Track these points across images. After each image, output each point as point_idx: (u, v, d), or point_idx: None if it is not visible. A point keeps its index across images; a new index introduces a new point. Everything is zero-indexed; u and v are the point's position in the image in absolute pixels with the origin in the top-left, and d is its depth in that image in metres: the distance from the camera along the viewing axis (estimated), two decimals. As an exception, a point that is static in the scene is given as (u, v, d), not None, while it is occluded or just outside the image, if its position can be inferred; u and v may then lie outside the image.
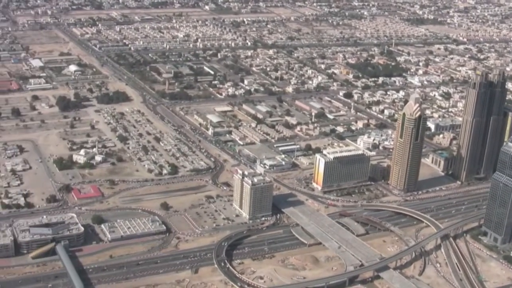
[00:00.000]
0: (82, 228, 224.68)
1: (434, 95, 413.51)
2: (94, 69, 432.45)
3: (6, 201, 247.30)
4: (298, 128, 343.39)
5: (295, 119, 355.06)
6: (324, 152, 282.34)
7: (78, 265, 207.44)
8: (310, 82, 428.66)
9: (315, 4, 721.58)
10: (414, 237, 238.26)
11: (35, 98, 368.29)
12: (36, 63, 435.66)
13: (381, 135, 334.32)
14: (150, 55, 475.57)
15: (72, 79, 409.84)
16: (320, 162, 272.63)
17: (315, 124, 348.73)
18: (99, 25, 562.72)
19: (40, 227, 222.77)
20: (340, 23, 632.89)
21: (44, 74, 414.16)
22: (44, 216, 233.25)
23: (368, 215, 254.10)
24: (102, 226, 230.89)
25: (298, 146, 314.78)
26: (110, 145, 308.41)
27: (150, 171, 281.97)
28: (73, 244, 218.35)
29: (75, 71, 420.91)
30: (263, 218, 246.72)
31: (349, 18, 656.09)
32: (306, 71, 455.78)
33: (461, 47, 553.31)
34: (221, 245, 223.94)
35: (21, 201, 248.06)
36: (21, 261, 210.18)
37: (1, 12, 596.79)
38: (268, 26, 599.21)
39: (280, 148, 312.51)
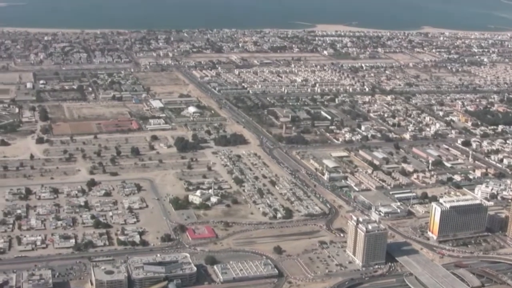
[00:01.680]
0: (195, 268, 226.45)
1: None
2: (213, 111, 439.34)
3: (122, 237, 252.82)
4: (415, 175, 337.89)
5: (412, 166, 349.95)
6: (441, 200, 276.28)
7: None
8: (428, 129, 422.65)
9: (434, 50, 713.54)
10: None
11: (154, 138, 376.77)
12: (156, 104, 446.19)
13: (500, 185, 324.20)
14: (268, 98, 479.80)
15: (191, 120, 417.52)
16: (436, 211, 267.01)
17: (432, 172, 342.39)
18: (219, 68, 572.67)
19: (154, 265, 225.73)
20: (459, 69, 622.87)
21: (163, 115, 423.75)
22: (158, 255, 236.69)
23: (484, 267, 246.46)
24: (215, 267, 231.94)
25: (414, 194, 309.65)
26: (226, 187, 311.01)
27: (264, 214, 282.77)
28: (185, 284, 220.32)
29: (194, 112, 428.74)
30: (376, 266, 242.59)
31: (468, 65, 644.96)
32: (424, 118, 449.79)
33: None
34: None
35: (137, 238, 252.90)
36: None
37: (125, 54, 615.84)
38: (386, 72, 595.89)
39: (396, 196, 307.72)
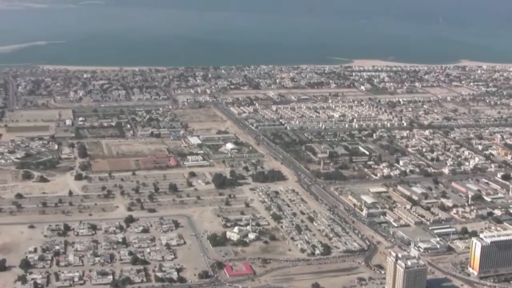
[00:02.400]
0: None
1: None
2: (251, 148, 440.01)
3: (159, 274, 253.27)
4: (454, 210, 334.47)
5: (451, 201, 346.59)
6: (481, 235, 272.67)
7: None
8: (467, 163, 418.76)
9: (471, 83, 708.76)
10: None
11: (192, 174, 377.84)
12: (194, 140, 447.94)
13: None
14: (305, 134, 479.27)
15: (229, 157, 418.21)
16: (476, 246, 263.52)
17: (472, 207, 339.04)
18: (256, 104, 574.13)
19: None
20: (498, 102, 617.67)
21: (201, 151, 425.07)
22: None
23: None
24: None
25: (453, 229, 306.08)
26: (264, 223, 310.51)
27: (302, 250, 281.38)
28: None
29: (231, 149, 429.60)
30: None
31: (507, 98, 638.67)
32: (463, 152, 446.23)
33: None
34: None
35: (174, 275, 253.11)
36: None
37: (163, 91, 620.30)
38: (424, 106, 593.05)
39: (435, 231, 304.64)
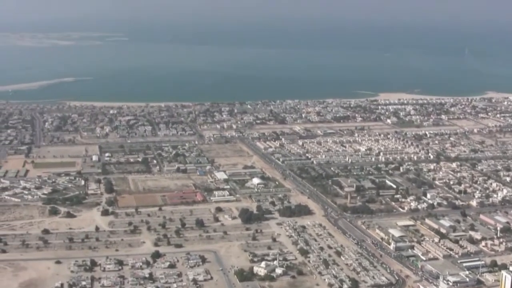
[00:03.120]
0: None
1: None
2: (277, 182, 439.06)
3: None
4: (483, 243, 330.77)
5: (480, 234, 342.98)
6: (511, 268, 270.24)
7: None
8: (495, 195, 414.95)
9: (498, 115, 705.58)
10: None
11: (219, 209, 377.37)
12: (221, 175, 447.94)
13: None
14: (332, 168, 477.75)
15: (255, 192, 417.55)
16: (506, 279, 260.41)
17: (501, 239, 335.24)
18: (282, 139, 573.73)
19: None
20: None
21: (228, 187, 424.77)
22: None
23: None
24: None
25: (483, 262, 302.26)
26: (291, 258, 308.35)
27: (330, 285, 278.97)
28: None
29: (258, 184, 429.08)
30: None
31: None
32: (491, 184, 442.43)
33: None
34: None
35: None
36: None
37: (189, 126, 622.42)
38: (451, 138, 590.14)
39: (464, 264, 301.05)
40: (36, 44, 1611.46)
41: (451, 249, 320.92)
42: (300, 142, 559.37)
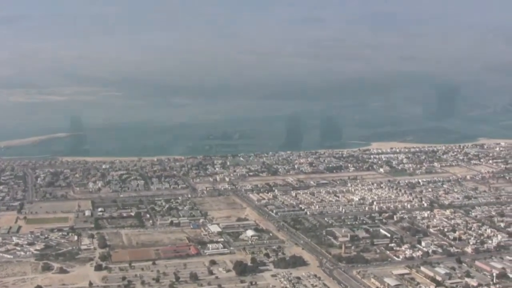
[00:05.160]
0: None
1: None
2: (271, 234, 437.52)
3: None
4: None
5: (476, 280, 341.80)
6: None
7: None
8: (490, 241, 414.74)
9: (490, 161, 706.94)
10: None
11: (213, 262, 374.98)
12: (214, 228, 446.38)
13: None
14: (326, 219, 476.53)
15: (249, 244, 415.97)
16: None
17: (497, 285, 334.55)
18: (275, 190, 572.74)
19: None
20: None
21: (221, 239, 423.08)
22: None
23: None
24: None
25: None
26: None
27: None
28: None
29: (252, 236, 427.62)
30: None
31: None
32: (485, 230, 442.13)
33: None
34: None
35: None
36: None
37: (182, 180, 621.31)
38: (444, 186, 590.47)
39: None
40: (28, 100, 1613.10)
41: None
42: (293, 193, 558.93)
